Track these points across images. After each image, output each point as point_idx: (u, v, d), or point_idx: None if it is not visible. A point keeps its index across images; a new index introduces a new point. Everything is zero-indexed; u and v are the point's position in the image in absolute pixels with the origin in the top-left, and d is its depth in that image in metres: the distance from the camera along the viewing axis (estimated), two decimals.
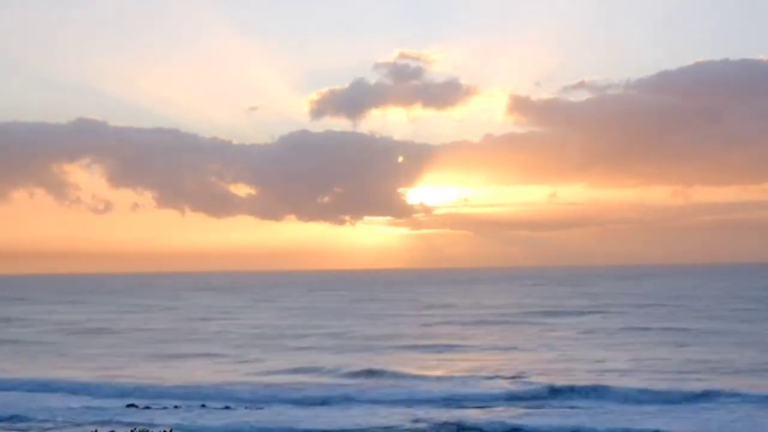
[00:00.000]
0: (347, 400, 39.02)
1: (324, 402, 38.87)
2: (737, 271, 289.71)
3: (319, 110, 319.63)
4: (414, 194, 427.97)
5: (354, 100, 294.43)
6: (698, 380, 41.69)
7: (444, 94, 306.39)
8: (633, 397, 37.62)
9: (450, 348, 59.24)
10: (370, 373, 45.99)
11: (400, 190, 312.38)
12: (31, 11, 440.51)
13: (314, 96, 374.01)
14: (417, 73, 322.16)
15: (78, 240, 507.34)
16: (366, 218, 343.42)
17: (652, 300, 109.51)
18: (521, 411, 35.44)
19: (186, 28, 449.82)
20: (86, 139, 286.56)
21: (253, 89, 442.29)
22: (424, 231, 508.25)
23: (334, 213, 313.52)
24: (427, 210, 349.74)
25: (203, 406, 37.74)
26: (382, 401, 38.39)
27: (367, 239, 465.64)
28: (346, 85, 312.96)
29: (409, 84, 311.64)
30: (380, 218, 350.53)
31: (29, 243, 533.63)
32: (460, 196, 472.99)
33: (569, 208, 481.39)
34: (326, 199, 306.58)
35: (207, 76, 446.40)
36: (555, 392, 38.66)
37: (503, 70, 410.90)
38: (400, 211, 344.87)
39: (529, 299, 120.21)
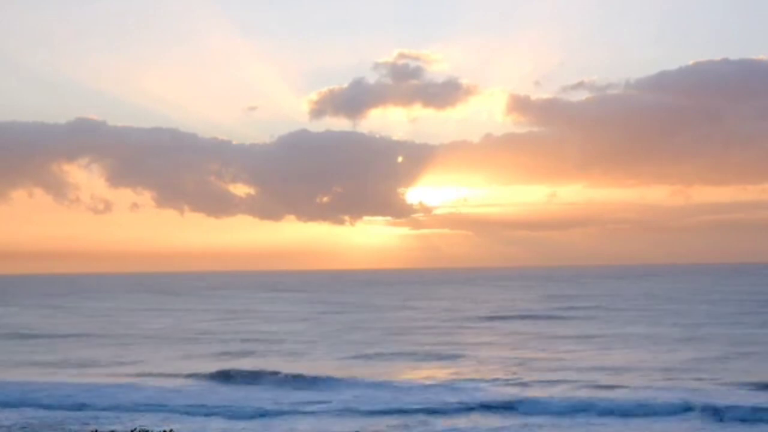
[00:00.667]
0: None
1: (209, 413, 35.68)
2: (735, 271, 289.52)
3: (318, 110, 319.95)
4: (413, 194, 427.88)
5: (353, 99, 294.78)
6: (648, 388, 38.61)
7: (444, 93, 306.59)
8: (575, 407, 34.58)
9: (377, 355, 54.88)
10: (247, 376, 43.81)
11: (400, 190, 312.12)
12: (30, 11, 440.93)
13: (314, 96, 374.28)
14: (416, 72, 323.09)
15: (77, 240, 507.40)
16: (365, 218, 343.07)
17: (637, 302, 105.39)
18: (450, 422, 32.70)
19: (185, 28, 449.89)
20: (85, 139, 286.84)
21: (253, 89, 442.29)
22: (424, 231, 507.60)
23: (333, 213, 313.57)
24: (426, 210, 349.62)
25: None
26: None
27: (367, 239, 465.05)
28: (346, 84, 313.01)
29: (408, 84, 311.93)
30: (380, 218, 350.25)
31: (28, 243, 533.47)
32: (459, 196, 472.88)
33: (569, 207, 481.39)
34: (325, 199, 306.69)
35: (206, 75, 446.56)
36: (507, 403, 35.75)
37: (503, 69, 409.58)
38: (399, 211, 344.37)
39: (506, 302, 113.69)
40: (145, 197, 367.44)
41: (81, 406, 36.70)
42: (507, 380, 41.57)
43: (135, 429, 28.64)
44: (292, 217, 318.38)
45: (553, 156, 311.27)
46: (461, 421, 32.83)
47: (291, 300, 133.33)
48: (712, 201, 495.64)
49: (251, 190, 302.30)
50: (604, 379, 41.60)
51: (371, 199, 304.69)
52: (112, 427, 31.05)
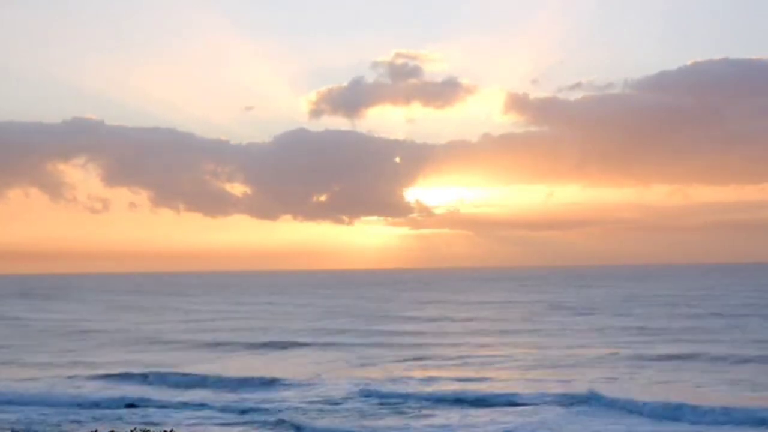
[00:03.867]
0: None
1: None
2: (730, 270, 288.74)
3: (317, 109, 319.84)
4: (412, 194, 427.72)
5: (352, 99, 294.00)
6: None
7: (442, 93, 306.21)
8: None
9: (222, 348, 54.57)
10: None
11: (399, 189, 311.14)
12: (27, 11, 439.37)
13: (312, 95, 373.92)
14: (415, 72, 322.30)
15: (72, 240, 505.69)
16: (363, 218, 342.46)
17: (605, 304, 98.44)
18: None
19: (183, 27, 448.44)
20: (82, 139, 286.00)
21: (251, 88, 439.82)
22: (423, 231, 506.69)
23: (331, 212, 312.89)
24: (425, 210, 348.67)
25: None
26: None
27: (366, 239, 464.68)
28: (345, 84, 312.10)
29: (407, 83, 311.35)
30: (378, 218, 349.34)
31: (25, 243, 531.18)
32: (459, 195, 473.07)
33: (568, 207, 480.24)
34: (323, 198, 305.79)
35: (204, 74, 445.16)
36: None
37: (501, 69, 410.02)
38: (398, 211, 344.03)
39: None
40: (142, 197, 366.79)
41: None
42: None
43: (135, 429, 27.75)
44: (289, 216, 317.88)
45: (551, 156, 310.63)
46: None
47: None
48: (711, 201, 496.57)
49: (248, 190, 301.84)
50: None
51: (370, 198, 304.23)
52: None
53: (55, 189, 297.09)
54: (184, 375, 43.07)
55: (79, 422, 32.97)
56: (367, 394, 36.62)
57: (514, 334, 62.93)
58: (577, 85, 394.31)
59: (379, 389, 37.49)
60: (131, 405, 36.60)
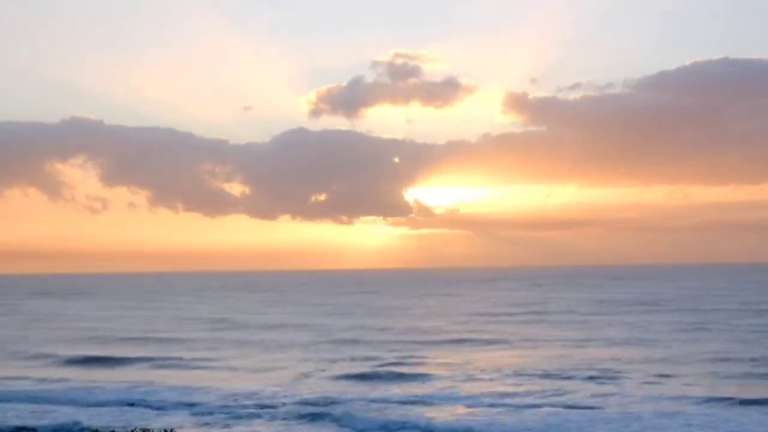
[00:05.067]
0: None
1: None
2: (724, 271, 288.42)
3: (316, 109, 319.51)
4: (412, 194, 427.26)
5: (352, 98, 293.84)
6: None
7: (441, 92, 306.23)
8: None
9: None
10: None
11: (398, 189, 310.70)
12: (25, 10, 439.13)
13: (312, 95, 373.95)
14: (414, 71, 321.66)
15: (71, 240, 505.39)
16: (362, 218, 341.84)
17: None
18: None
19: (182, 27, 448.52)
20: (81, 138, 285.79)
21: (250, 88, 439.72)
22: (423, 231, 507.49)
23: (330, 212, 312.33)
24: (425, 209, 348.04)
25: None
26: None
27: (365, 239, 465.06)
28: (344, 83, 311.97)
29: (406, 83, 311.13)
30: (377, 218, 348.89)
31: (23, 242, 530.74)
32: (458, 195, 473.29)
33: (568, 207, 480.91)
34: (322, 198, 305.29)
35: (204, 74, 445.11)
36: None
37: (501, 68, 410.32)
38: (397, 211, 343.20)
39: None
40: (141, 197, 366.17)
41: None
42: None
43: (135, 429, 27.53)
44: (287, 216, 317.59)
45: (551, 155, 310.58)
46: None
47: None
48: (711, 201, 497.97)
49: (247, 190, 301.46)
50: None
51: (369, 198, 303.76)
52: None
53: (53, 189, 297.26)
54: None
55: None
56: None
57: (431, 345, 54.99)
58: (577, 85, 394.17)
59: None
60: None
